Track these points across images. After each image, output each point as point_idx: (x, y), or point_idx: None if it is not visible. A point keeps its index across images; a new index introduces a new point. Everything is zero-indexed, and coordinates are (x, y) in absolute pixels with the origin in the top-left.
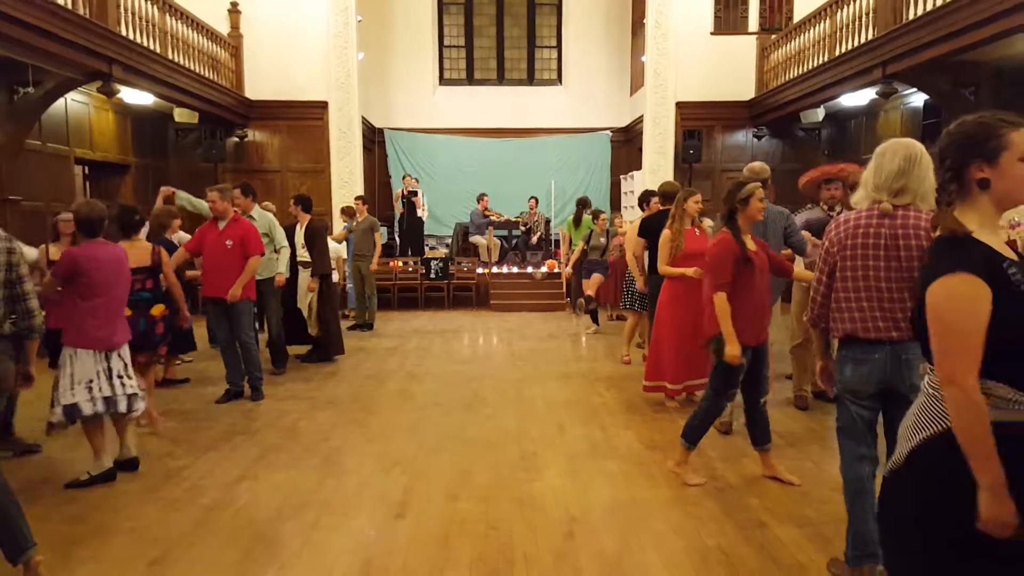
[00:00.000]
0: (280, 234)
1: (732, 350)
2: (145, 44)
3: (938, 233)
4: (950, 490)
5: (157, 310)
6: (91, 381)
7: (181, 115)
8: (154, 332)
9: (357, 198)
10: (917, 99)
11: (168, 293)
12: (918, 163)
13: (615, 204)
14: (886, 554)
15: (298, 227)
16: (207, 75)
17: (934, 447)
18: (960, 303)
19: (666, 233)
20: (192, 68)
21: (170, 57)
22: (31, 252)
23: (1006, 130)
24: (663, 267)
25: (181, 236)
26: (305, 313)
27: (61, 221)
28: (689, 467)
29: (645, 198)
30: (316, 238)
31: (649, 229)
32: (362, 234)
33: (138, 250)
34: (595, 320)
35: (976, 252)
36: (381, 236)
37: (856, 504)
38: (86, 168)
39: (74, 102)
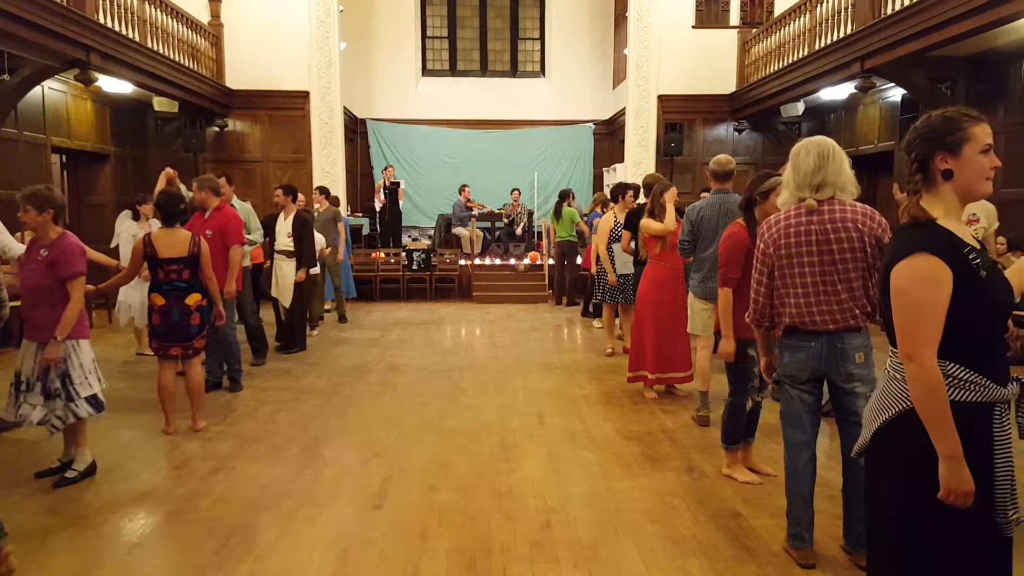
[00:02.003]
0: (254, 223)
1: (726, 347)
2: (124, 32)
3: (903, 220)
4: (912, 467)
5: (192, 299)
6: (96, 370)
7: (161, 104)
8: (189, 323)
9: (317, 189)
10: (895, 94)
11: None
12: (832, 158)
13: None
14: (866, 532)
15: (282, 216)
16: (187, 64)
17: (896, 427)
18: (922, 283)
19: (646, 219)
20: (172, 57)
21: (149, 45)
22: (19, 248)
23: (968, 124)
24: (646, 226)
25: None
26: (286, 303)
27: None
28: (738, 467)
29: (621, 191)
30: (306, 229)
31: (635, 222)
32: (324, 225)
33: (177, 240)
34: (598, 314)
35: (939, 236)
36: (344, 227)
37: (792, 489)
38: (63, 157)
39: (51, 90)
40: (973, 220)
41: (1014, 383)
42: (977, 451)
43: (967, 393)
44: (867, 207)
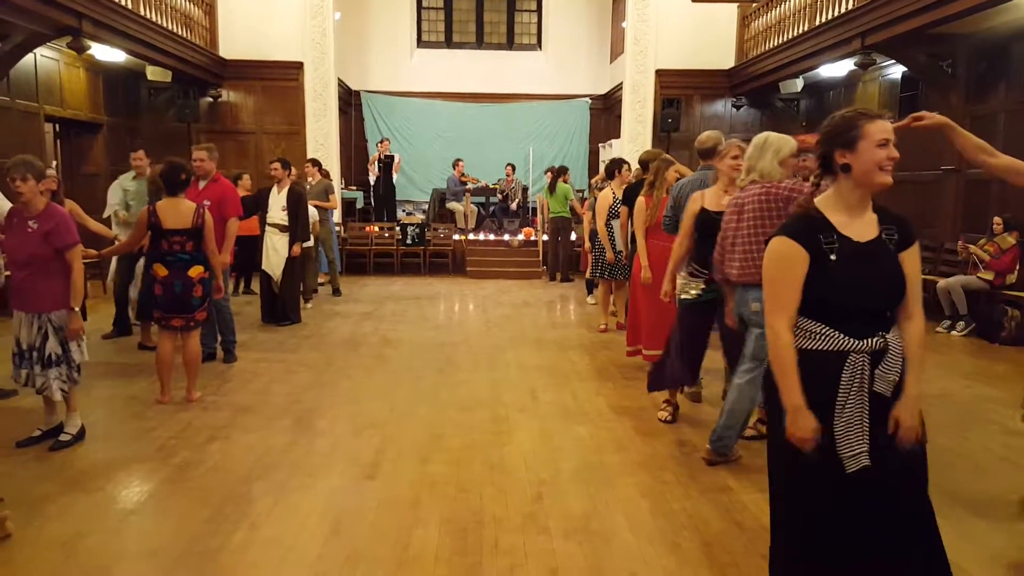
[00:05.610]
0: None
1: None
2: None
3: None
4: (775, 415)
5: (195, 271)
6: (83, 338)
7: (154, 73)
8: (191, 295)
9: (309, 161)
10: (895, 71)
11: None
12: (762, 147)
13: (593, 172)
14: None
15: (275, 189)
16: (180, 33)
17: (768, 380)
18: (774, 259)
19: (641, 200)
20: (165, 25)
21: (142, 13)
22: (3, 204)
23: (862, 122)
24: (640, 240)
25: None
26: (276, 277)
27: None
28: None
29: (617, 166)
30: (300, 203)
31: (632, 198)
32: (316, 198)
33: (180, 211)
34: (590, 291)
35: (805, 223)
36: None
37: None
38: (56, 126)
39: (44, 58)
40: None
41: (878, 338)
42: (827, 392)
43: (815, 342)
44: (784, 185)
